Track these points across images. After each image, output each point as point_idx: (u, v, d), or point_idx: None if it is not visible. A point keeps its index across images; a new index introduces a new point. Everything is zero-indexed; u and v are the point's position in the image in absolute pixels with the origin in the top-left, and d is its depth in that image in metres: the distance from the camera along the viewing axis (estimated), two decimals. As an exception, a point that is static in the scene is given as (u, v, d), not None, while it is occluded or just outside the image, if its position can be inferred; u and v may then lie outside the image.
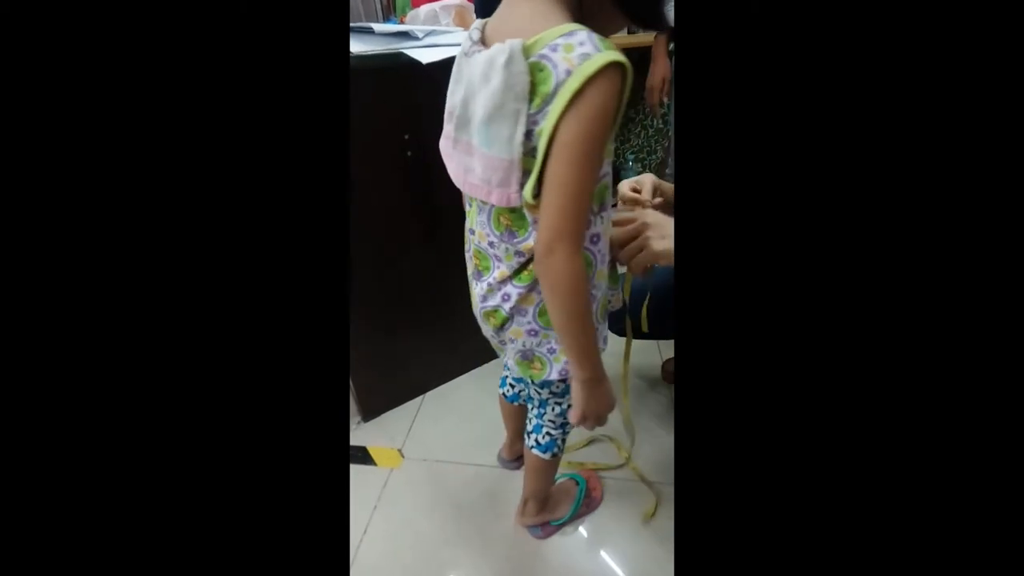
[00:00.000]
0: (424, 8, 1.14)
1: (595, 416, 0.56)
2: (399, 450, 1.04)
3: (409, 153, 0.90)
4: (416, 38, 0.86)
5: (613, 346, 1.11)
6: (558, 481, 0.92)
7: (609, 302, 0.64)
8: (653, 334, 1.00)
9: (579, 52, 0.39)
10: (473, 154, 0.48)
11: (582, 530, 0.87)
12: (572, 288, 0.46)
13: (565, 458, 0.99)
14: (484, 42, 0.48)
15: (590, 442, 1.03)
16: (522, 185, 0.45)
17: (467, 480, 0.97)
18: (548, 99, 0.41)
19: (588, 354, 0.51)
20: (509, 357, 0.62)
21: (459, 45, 0.51)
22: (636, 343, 1.15)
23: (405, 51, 0.83)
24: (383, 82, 0.82)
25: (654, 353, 1.26)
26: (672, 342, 1.24)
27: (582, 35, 0.40)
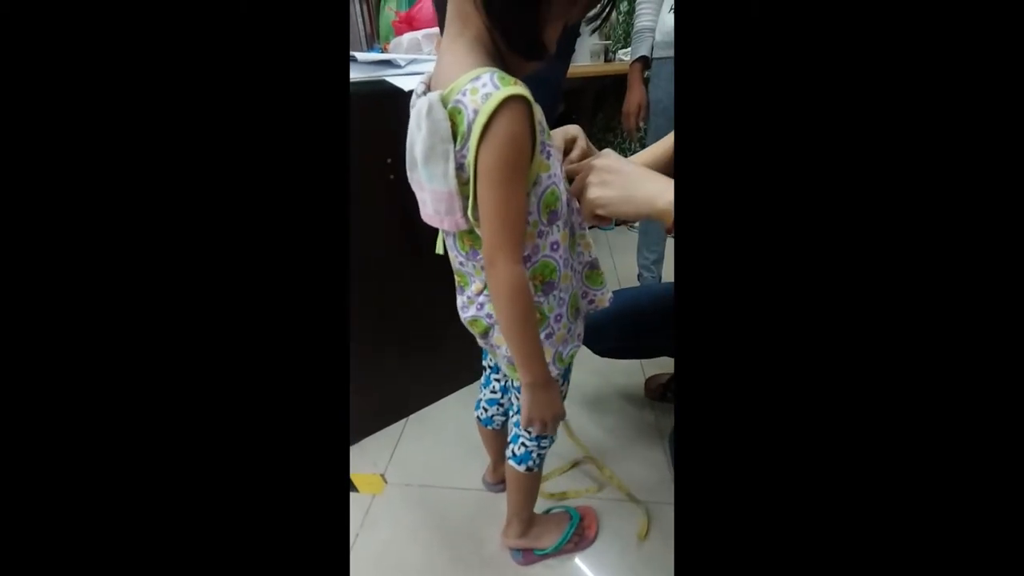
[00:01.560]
0: (407, 36, 1.17)
1: (540, 421, 0.59)
2: (382, 475, 1.02)
3: (392, 176, 0.92)
4: (398, 66, 0.88)
5: (598, 365, 1.12)
6: (553, 511, 0.91)
7: (591, 303, 0.67)
8: (625, 352, 1.00)
9: (482, 93, 0.46)
10: (423, 189, 0.54)
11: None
12: (513, 295, 0.52)
13: (548, 486, 0.98)
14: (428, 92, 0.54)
15: (573, 465, 1.02)
16: (466, 210, 0.51)
17: (451, 504, 0.95)
18: (466, 137, 0.47)
19: (532, 358, 0.55)
20: (499, 361, 0.66)
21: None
22: (619, 362, 1.17)
23: (387, 79, 0.85)
24: (366, 108, 0.84)
25: (637, 372, 1.27)
26: (655, 360, 1.25)
27: (485, 78, 0.46)
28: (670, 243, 1.58)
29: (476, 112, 0.46)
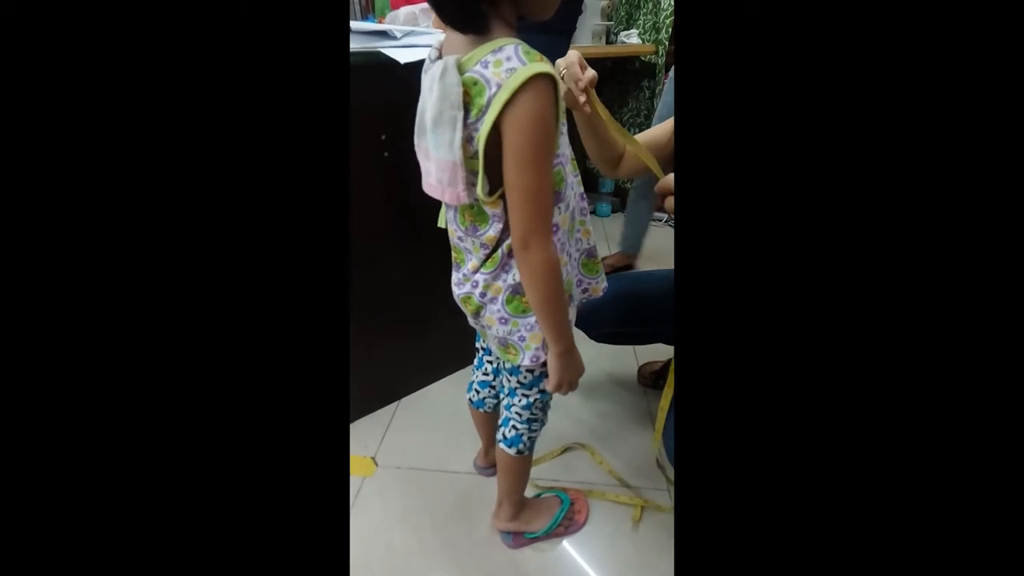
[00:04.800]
0: (404, 9, 1.13)
1: (568, 383, 0.63)
2: (372, 458, 1.01)
3: (386, 154, 0.89)
4: (394, 38, 0.85)
5: (591, 352, 1.11)
6: (544, 495, 0.91)
7: (586, 291, 0.67)
8: (620, 338, 1.00)
9: (506, 67, 0.44)
10: (429, 158, 0.53)
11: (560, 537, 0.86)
12: (548, 275, 0.52)
13: (539, 474, 0.98)
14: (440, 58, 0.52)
15: (565, 450, 1.02)
16: (471, 184, 0.50)
17: (442, 487, 0.95)
18: (484, 110, 0.46)
19: (563, 330, 0.58)
20: (490, 342, 0.66)
21: (437, 47, 0.54)
22: (612, 349, 1.16)
23: (383, 50, 0.82)
24: (360, 81, 0.80)
25: (630, 359, 1.26)
26: (648, 347, 1.25)
27: (509, 50, 0.45)
28: (653, 235, 1.64)
29: (499, 86, 0.44)
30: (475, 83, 0.45)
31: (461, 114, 0.46)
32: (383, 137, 0.87)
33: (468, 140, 0.48)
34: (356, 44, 0.83)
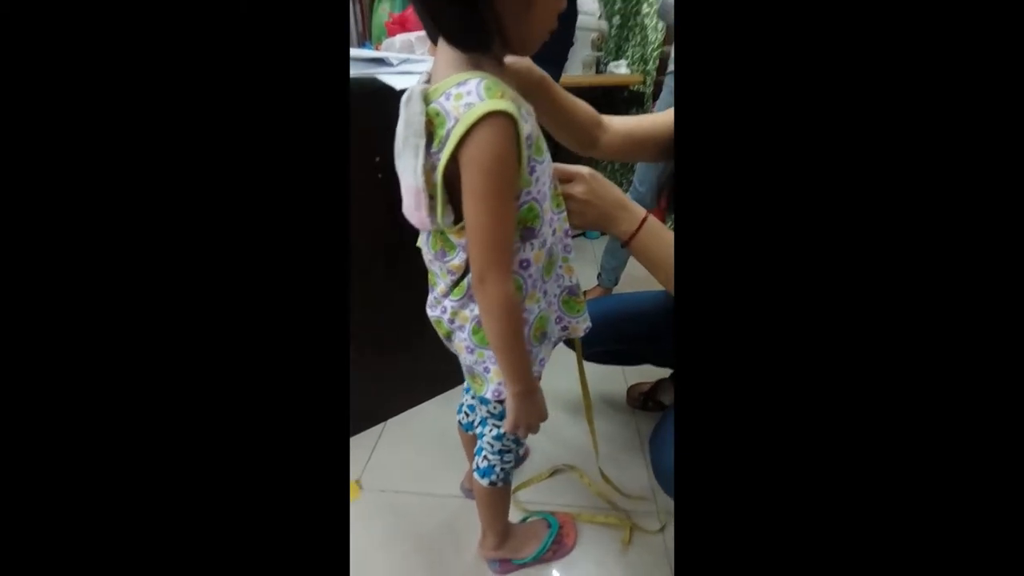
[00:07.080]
0: (400, 37, 1.16)
1: (526, 426, 0.60)
2: (357, 481, 0.99)
3: (380, 175, 0.90)
4: (391, 65, 0.88)
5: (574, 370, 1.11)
6: (530, 520, 0.89)
7: (565, 329, 0.65)
8: (611, 357, 1.01)
9: (465, 102, 0.44)
10: (403, 181, 0.53)
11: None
12: (504, 311, 0.51)
13: (527, 497, 0.97)
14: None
15: (553, 473, 1.02)
16: (433, 211, 0.50)
17: (428, 511, 0.93)
18: (443, 142, 0.46)
19: (520, 370, 0.56)
20: (463, 368, 0.65)
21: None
22: (602, 370, 1.17)
23: (379, 77, 0.84)
24: (356, 105, 0.82)
25: (619, 380, 1.27)
26: (636, 369, 1.25)
27: (471, 84, 0.44)
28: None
29: (456, 120, 0.44)
30: (437, 114, 0.46)
31: (423, 142, 0.46)
32: (377, 159, 0.89)
33: (432, 169, 0.48)
34: (354, 71, 0.85)
